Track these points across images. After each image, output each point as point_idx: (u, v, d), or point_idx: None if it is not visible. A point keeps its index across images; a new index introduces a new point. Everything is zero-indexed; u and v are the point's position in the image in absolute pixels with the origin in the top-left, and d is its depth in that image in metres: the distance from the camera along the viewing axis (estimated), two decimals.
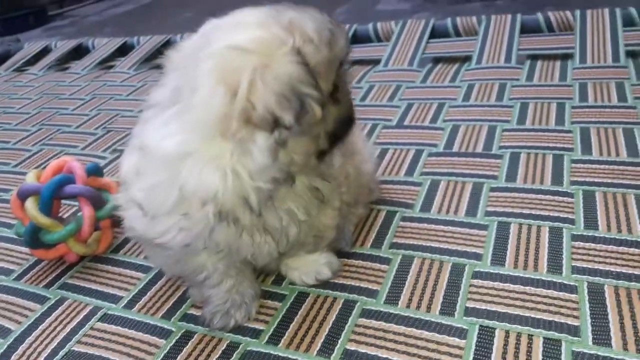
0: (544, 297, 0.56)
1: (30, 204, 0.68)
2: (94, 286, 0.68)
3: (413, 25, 1.37)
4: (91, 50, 1.71)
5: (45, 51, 1.78)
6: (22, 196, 0.69)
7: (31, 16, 3.55)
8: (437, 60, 1.23)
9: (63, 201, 0.79)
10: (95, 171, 0.75)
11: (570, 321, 0.53)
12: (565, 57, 1.12)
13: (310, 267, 0.62)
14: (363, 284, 0.61)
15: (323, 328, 0.56)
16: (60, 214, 0.76)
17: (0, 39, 1.97)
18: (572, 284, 0.57)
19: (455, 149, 0.86)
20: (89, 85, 1.44)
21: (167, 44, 1.60)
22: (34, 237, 0.69)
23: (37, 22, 3.51)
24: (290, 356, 0.54)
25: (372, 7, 2.65)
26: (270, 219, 0.49)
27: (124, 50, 1.65)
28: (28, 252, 0.74)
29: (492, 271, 0.60)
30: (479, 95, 1.02)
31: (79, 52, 1.73)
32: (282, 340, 0.56)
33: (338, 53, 0.47)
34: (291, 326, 0.57)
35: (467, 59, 1.20)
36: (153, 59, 1.57)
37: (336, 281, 0.62)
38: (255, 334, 0.57)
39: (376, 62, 1.27)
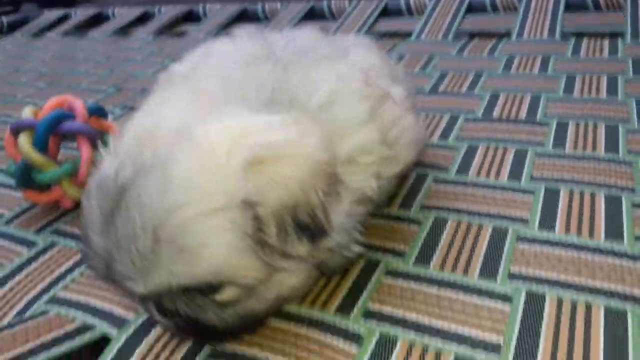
0: (602, 264, 0.48)
1: (24, 138, 0.62)
2: None
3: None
4: (111, 18, 1.66)
5: (64, 18, 1.74)
6: (16, 131, 0.63)
7: None
8: (472, 35, 1.15)
9: (63, 152, 0.72)
10: (97, 112, 0.69)
11: (636, 292, 0.44)
12: (614, 36, 1.03)
13: None
14: (389, 244, 0.54)
15: (342, 286, 0.49)
16: (59, 159, 0.69)
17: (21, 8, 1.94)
18: (635, 253, 0.49)
19: (495, 115, 0.77)
20: (105, 49, 1.39)
21: (190, 15, 1.55)
22: (26, 176, 0.62)
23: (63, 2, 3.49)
24: (304, 313, 0.46)
25: None
26: None
27: (144, 19, 1.59)
28: (21, 197, 0.68)
29: (540, 236, 0.52)
30: (520, 67, 0.93)
31: (98, 20, 1.68)
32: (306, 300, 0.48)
33: None
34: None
35: (505, 34, 1.12)
36: (173, 28, 1.51)
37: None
38: None
39: (407, 34, 1.19)
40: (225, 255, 0.34)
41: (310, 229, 0.37)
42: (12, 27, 1.74)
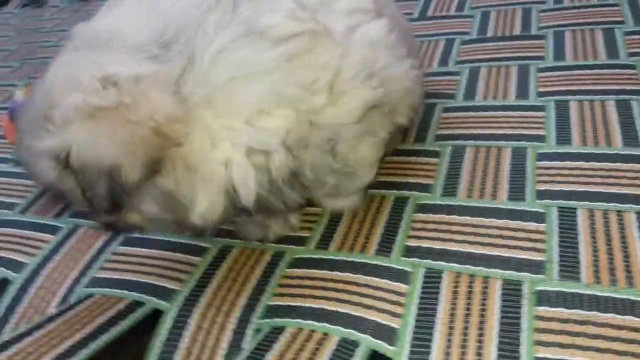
0: (626, 171, 0.49)
1: None
2: None
3: None
4: None
5: None
6: (14, 117, 0.61)
7: None
8: None
9: None
10: None
11: None
12: None
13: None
14: (412, 179, 0.54)
15: (375, 227, 0.50)
16: None
17: None
18: None
19: (490, 34, 0.77)
20: (70, 17, 1.33)
21: None
22: None
23: None
24: (345, 259, 0.47)
25: None
26: None
27: None
28: (30, 185, 0.67)
29: (559, 151, 0.53)
30: None
31: None
32: (332, 245, 0.49)
33: None
34: (339, 230, 0.51)
35: None
36: None
37: (380, 179, 0.55)
38: (300, 241, 0.51)
39: None
40: None
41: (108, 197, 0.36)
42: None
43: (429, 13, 0.87)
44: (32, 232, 0.61)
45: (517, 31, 0.76)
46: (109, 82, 0.36)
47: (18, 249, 0.58)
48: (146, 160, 0.36)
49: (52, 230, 0.60)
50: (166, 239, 0.54)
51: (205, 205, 0.40)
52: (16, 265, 0.56)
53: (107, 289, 0.50)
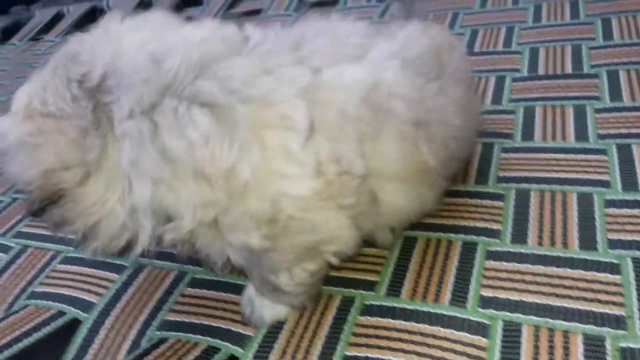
0: None
1: None
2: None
3: None
4: (107, 10, 1.62)
5: (57, 17, 1.69)
6: None
7: None
8: None
9: None
10: None
11: None
12: None
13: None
14: (479, 223, 0.55)
15: (447, 275, 0.50)
16: None
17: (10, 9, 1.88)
18: None
19: (541, 72, 0.77)
20: None
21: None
22: None
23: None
24: (418, 308, 0.47)
25: None
26: None
27: (142, 7, 1.55)
28: None
29: (627, 198, 0.53)
30: (551, 15, 0.92)
31: (94, 15, 1.63)
32: (403, 292, 0.49)
33: None
34: (408, 275, 0.51)
35: None
36: (176, 12, 1.47)
37: (445, 222, 0.55)
38: (369, 286, 0.51)
39: None
40: None
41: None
42: (6, 33, 1.70)
43: (476, 49, 0.88)
44: (97, 270, 0.62)
45: (568, 69, 0.76)
46: (27, 117, 0.41)
47: (86, 287, 0.59)
48: (40, 194, 0.41)
49: (117, 269, 0.61)
50: (237, 282, 0.55)
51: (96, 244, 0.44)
52: (85, 305, 0.57)
53: (181, 333, 0.51)
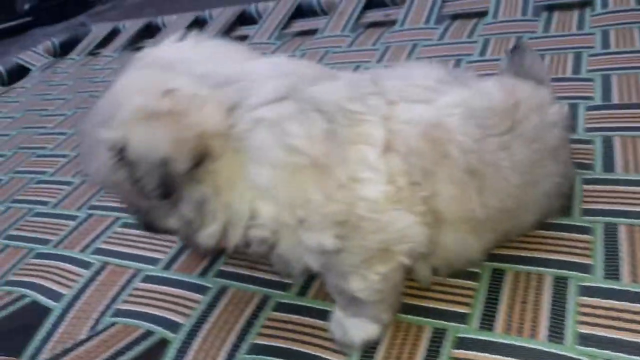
0: None
1: None
2: (249, 272, 0.63)
3: None
4: (162, 28, 1.66)
5: (114, 33, 1.74)
6: None
7: (73, 3, 3.55)
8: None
9: None
10: None
11: None
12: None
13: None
14: (569, 258, 0.54)
15: (540, 309, 0.50)
16: None
17: (66, 23, 1.94)
18: None
19: (615, 100, 0.76)
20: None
21: (243, 16, 1.54)
22: None
23: (80, 9, 3.50)
24: (514, 343, 0.47)
25: None
26: None
27: (196, 26, 1.59)
28: (171, 240, 0.70)
29: None
30: (620, 41, 0.91)
31: (149, 31, 1.68)
32: (497, 325, 0.49)
33: None
34: (500, 308, 0.51)
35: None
36: (230, 32, 1.51)
37: (532, 255, 0.55)
38: (460, 317, 0.51)
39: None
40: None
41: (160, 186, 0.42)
42: (64, 48, 1.75)
43: (487, 54, 0.88)
44: (179, 290, 0.63)
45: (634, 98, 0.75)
46: (167, 93, 0.42)
47: (171, 307, 0.61)
48: (191, 155, 0.41)
49: (200, 289, 0.62)
50: (322, 307, 0.56)
51: (213, 229, 0.45)
52: (172, 325, 0.58)
53: (273, 358, 0.52)
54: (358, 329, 0.50)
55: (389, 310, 0.50)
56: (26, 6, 3.60)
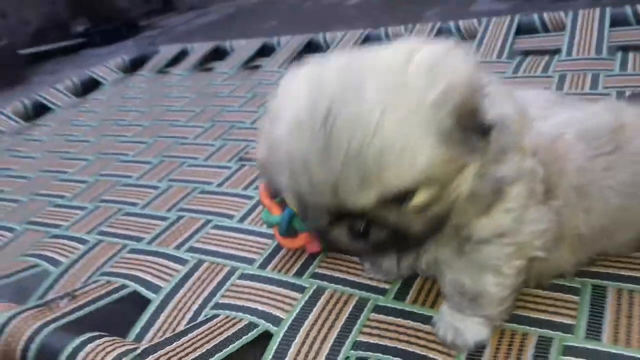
0: None
1: None
2: (343, 275, 0.65)
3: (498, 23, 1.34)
4: (229, 52, 1.73)
5: (182, 54, 1.81)
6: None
7: (124, 28, 3.71)
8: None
9: None
10: None
11: None
12: None
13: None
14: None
15: None
16: None
17: (132, 41, 2.03)
18: None
19: None
20: (243, 84, 1.44)
21: (310, 44, 1.60)
22: (290, 225, 0.67)
23: (130, 33, 3.66)
24: (624, 352, 0.49)
25: (466, 8, 2.54)
26: None
27: (264, 52, 1.65)
28: (265, 242, 0.73)
29: None
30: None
31: (217, 54, 1.75)
32: (604, 336, 0.51)
33: None
34: (605, 321, 0.52)
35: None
36: (298, 59, 1.56)
37: (632, 274, 0.56)
38: (566, 328, 0.52)
39: None
40: (427, 154, 0.39)
41: (480, 125, 0.41)
42: (134, 64, 1.83)
43: (564, 89, 0.91)
44: (277, 288, 0.66)
45: None
46: None
47: (270, 303, 0.63)
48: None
49: (297, 288, 0.65)
50: (422, 312, 0.58)
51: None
52: (274, 319, 0.60)
53: (379, 354, 0.54)
54: (472, 330, 0.51)
55: (504, 313, 0.52)
56: (80, 28, 3.79)
